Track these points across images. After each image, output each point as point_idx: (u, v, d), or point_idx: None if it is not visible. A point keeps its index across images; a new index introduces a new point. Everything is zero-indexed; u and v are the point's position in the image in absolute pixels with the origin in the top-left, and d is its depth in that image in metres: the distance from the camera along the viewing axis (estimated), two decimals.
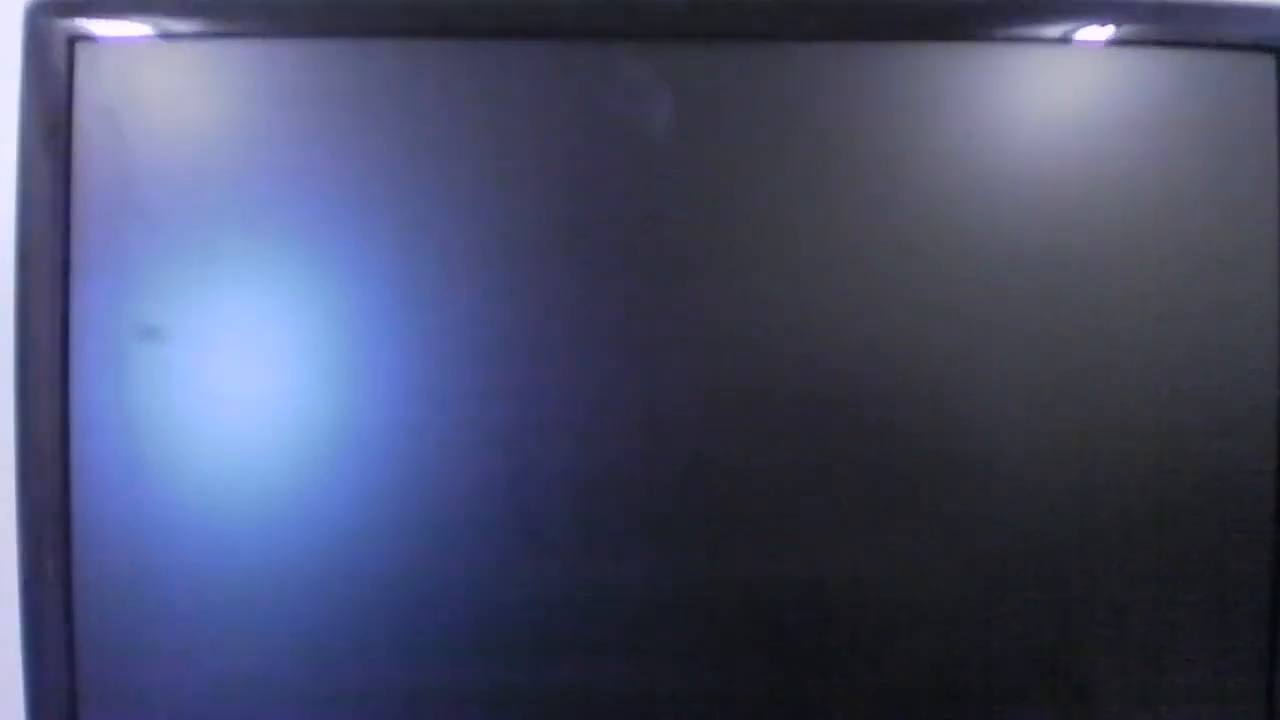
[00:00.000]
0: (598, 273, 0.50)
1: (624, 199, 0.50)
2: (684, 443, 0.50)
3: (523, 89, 0.50)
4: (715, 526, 0.51)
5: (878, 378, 0.51)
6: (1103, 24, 0.51)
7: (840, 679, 0.51)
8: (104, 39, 0.50)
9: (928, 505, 0.51)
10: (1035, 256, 0.51)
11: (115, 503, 0.50)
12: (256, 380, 0.51)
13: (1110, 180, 0.51)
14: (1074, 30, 0.51)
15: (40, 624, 0.50)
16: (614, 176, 0.50)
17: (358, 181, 0.50)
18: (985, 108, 0.51)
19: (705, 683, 0.51)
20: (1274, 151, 0.51)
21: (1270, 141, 0.51)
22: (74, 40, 0.50)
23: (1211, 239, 0.51)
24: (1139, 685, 0.51)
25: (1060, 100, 0.51)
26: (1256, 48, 0.51)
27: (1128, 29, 0.51)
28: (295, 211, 0.50)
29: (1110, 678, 0.51)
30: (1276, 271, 0.51)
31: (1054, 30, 0.51)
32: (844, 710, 0.51)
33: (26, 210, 0.50)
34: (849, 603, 0.51)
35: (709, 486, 0.51)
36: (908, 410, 0.51)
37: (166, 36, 0.50)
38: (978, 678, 0.51)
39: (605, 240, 0.50)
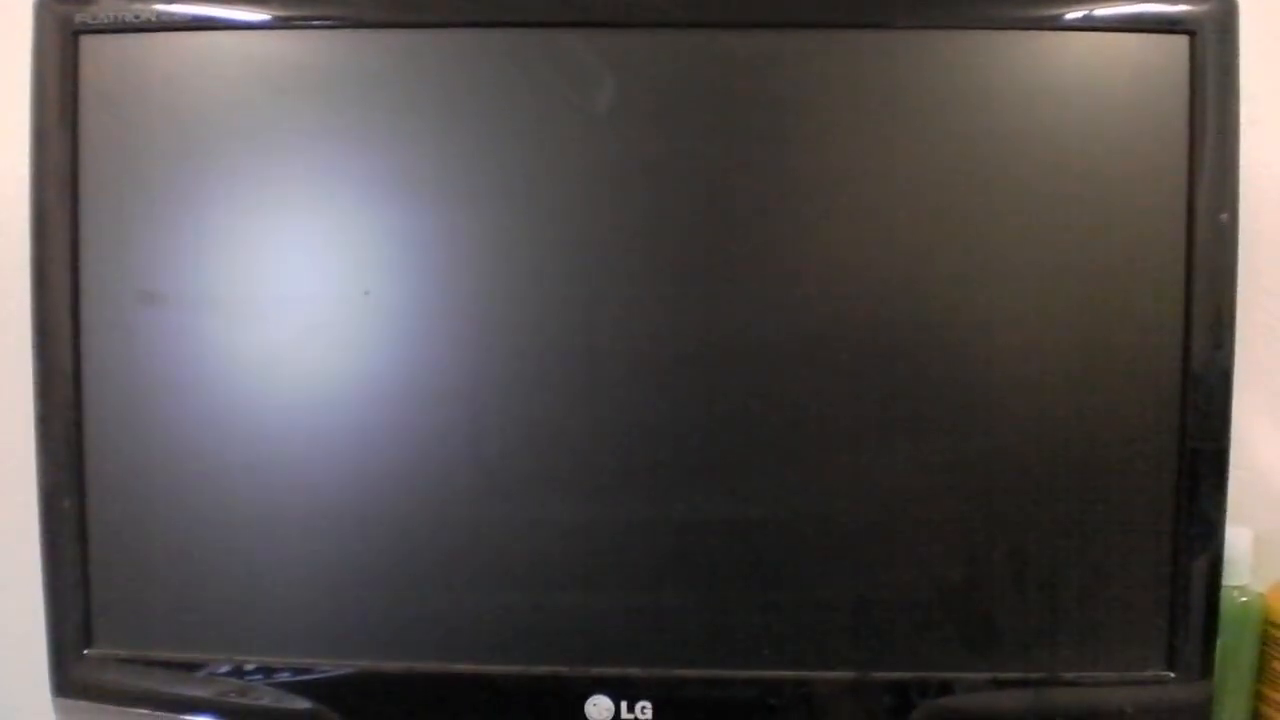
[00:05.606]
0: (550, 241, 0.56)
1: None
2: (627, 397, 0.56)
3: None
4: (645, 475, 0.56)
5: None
6: (1028, 8, 0.55)
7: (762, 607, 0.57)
8: (104, 30, 0.55)
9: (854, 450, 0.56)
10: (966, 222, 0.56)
11: (123, 443, 0.57)
12: (244, 337, 0.56)
13: (1037, 151, 0.55)
14: (1003, 14, 0.55)
15: (59, 554, 0.56)
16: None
17: (335, 157, 0.55)
18: (913, 92, 0.55)
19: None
20: (1184, 125, 0.55)
21: (1181, 117, 0.55)
22: (78, 33, 0.55)
23: (1123, 203, 0.55)
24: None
25: (996, 80, 0.55)
26: (1172, 29, 0.55)
27: (1052, 12, 0.55)
28: (278, 185, 0.56)
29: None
30: (1183, 236, 0.55)
31: (986, 14, 0.55)
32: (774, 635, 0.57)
33: (41, 188, 0.56)
34: (771, 539, 0.56)
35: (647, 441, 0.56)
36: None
37: (161, 27, 0.55)
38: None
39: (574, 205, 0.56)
